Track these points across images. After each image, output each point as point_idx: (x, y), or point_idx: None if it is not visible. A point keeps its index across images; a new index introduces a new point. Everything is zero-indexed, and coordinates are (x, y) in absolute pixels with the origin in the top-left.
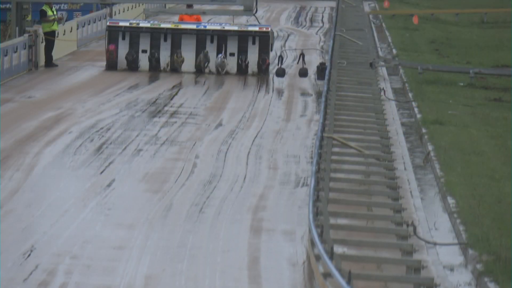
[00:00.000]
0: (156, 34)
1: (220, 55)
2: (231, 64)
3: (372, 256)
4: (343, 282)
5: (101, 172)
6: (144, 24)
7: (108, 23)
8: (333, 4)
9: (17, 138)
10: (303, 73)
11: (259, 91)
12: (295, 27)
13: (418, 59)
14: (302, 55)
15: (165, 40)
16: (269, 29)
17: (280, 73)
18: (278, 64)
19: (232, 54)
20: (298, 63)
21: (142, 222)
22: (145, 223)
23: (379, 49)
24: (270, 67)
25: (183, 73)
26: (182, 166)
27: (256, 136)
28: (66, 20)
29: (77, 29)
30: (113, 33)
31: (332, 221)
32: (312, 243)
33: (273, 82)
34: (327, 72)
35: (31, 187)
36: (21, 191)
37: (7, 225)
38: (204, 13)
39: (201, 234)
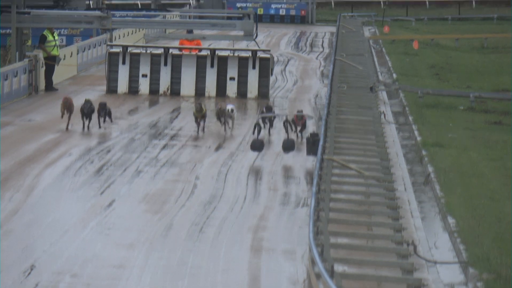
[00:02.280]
0: (156, 58)
1: (231, 107)
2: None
3: (373, 274)
4: None
5: (101, 193)
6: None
7: (108, 51)
8: (333, 29)
9: (17, 160)
10: (287, 146)
11: (259, 115)
12: (295, 52)
13: (418, 84)
14: (288, 121)
15: (165, 64)
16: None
17: (257, 146)
18: (253, 132)
19: (232, 79)
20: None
21: (143, 241)
22: (146, 242)
23: (379, 73)
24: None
25: (183, 97)
26: (182, 187)
27: (256, 158)
28: (66, 45)
29: (77, 54)
30: (113, 58)
31: (333, 240)
32: (313, 262)
33: (273, 107)
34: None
35: (31, 208)
36: (21, 211)
37: (7, 244)
38: (204, 38)
39: (201, 253)
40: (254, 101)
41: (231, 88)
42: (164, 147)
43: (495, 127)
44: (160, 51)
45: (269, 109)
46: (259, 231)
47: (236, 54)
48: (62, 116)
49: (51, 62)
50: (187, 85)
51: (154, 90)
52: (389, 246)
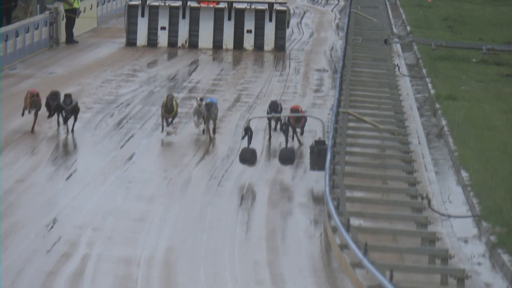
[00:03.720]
0: (174, 11)
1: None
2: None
3: (388, 228)
4: (359, 253)
5: (121, 147)
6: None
7: (128, 3)
8: None
9: (39, 113)
10: (285, 157)
11: (275, 67)
12: (311, 5)
13: (431, 36)
14: (286, 124)
15: (184, 17)
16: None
17: (247, 157)
18: (243, 136)
19: (249, 31)
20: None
21: (162, 195)
22: (165, 196)
23: (393, 26)
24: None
25: (201, 49)
26: (201, 140)
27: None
28: None
29: (97, 6)
30: (132, 11)
31: (348, 194)
32: (329, 216)
33: (289, 59)
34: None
35: (52, 161)
36: (42, 165)
37: (29, 198)
38: None
39: (220, 206)
40: (271, 53)
41: (248, 41)
42: (182, 100)
43: (507, 80)
44: (179, 3)
45: (275, 106)
46: (276, 184)
47: (253, 6)
48: (22, 114)
49: (71, 14)
50: (205, 38)
51: (172, 43)
52: (404, 200)
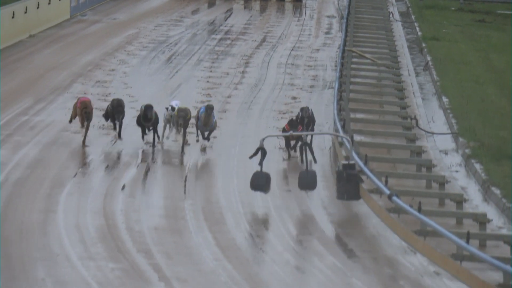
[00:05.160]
0: None
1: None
2: None
3: (383, 142)
4: (361, 163)
5: (171, 78)
6: None
7: None
8: None
9: (105, 51)
10: (306, 181)
11: (294, 14)
12: None
13: None
14: (306, 144)
15: None
16: None
17: (260, 183)
18: (251, 156)
19: None
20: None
21: None
22: None
23: None
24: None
25: (235, 0)
26: (234, 73)
27: (292, 48)
28: None
29: None
30: None
31: (352, 115)
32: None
33: (305, 7)
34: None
35: (115, 86)
36: (106, 88)
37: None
38: None
39: (249, 126)
40: (290, 3)
41: None
42: (219, 40)
43: (480, 24)
44: None
45: (306, 112)
46: (294, 109)
47: None
48: (70, 121)
49: None
50: None
51: None
52: (396, 120)
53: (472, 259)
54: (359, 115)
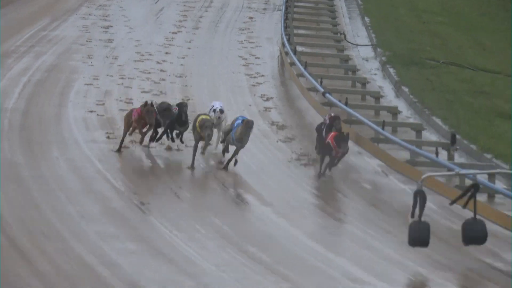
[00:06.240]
0: None
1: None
2: None
3: (319, 52)
4: (301, 67)
5: (156, 2)
6: None
7: None
8: None
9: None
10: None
11: None
12: None
13: None
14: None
15: None
16: None
17: (421, 236)
18: (414, 204)
19: None
20: None
21: (182, 31)
22: (183, 31)
23: None
24: None
25: None
26: None
27: None
28: None
29: None
30: None
31: (295, 31)
32: (283, 45)
33: None
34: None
35: (113, 8)
36: (106, 12)
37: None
38: None
39: (216, 39)
40: None
41: None
42: None
43: None
44: None
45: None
46: (250, 26)
47: None
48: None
49: None
50: None
51: None
52: (329, 35)
53: (387, 142)
54: (301, 31)
